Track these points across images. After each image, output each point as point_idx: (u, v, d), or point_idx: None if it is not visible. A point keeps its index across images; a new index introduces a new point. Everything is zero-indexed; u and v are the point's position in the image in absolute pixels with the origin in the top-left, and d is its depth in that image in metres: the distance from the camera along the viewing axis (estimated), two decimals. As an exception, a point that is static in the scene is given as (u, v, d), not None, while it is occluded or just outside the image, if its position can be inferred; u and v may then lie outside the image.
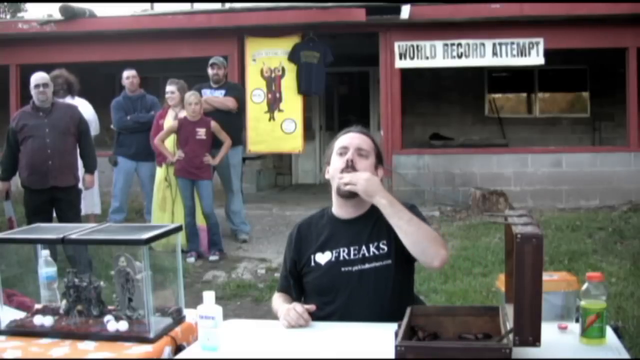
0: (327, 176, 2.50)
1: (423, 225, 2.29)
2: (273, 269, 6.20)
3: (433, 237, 2.29)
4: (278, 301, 2.54)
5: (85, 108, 6.87)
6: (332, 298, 2.40)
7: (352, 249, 2.40)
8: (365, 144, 2.45)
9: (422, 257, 2.28)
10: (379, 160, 2.50)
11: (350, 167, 2.39)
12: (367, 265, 2.38)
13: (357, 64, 10.75)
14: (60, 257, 4.67)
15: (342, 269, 2.39)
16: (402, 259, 2.37)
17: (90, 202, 7.12)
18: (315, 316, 2.41)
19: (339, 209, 2.49)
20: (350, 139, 2.46)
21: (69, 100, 6.68)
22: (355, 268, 2.38)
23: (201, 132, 6.41)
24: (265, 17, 8.70)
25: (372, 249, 2.39)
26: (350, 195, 2.38)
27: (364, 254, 2.39)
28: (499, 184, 8.55)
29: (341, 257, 2.40)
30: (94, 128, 7.27)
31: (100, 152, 7.35)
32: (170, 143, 6.57)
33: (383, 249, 2.38)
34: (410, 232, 2.27)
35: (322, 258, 2.44)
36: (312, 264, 2.45)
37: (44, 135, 5.42)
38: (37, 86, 5.44)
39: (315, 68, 8.67)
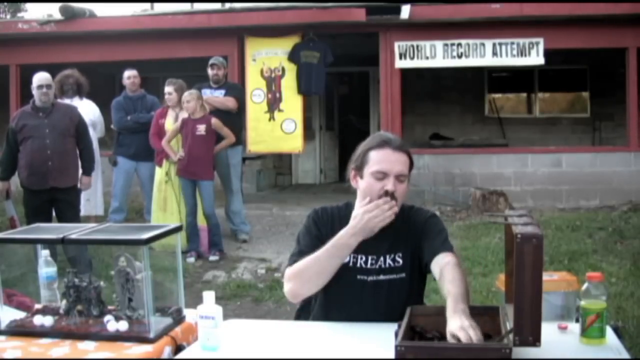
0: (354, 185, 2.33)
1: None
2: (273, 269, 6.20)
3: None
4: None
5: (91, 110, 6.87)
6: (340, 304, 2.33)
7: (370, 257, 2.32)
8: (405, 166, 2.26)
9: None
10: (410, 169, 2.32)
11: (389, 195, 2.21)
12: (382, 277, 2.31)
13: (357, 64, 10.73)
14: (60, 257, 4.68)
15: (358, 276, 2.31)
16: (417, 273, 2.35)
17: (93, 204, 7.13)
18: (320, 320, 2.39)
19: None
20: (391, 164, 2.23)
21: (76, 101, 6.68)
22: (371, 278, 2.31)
23: (201, 129, 6.40)
24: (265, 17, 8.69)
25: (388, 260, 2.32)
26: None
27: (380, 265, 2.32)
28: (499, 184, 8.55)
29: (358, 264, 2.32)
30: (100, 130, 7.27)
31: (100, 152, 7.40)
32: (174, 143, 6.57)
33: (398, 262, 2.32)
34: None
35: None
36: None
37: (44, 136, 5.42)
38: (40, 87, 5.43)
39: (315, 68, 8.67)
